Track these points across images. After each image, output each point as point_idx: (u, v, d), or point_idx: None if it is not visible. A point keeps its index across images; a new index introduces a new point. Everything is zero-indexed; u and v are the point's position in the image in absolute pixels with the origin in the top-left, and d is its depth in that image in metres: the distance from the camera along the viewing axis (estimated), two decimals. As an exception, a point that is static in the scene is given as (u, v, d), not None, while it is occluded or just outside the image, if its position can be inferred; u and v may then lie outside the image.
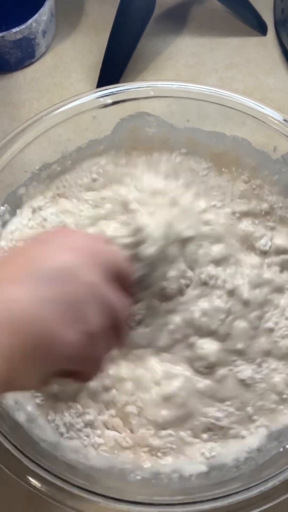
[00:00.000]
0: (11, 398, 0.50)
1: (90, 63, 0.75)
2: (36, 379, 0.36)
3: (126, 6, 0.69)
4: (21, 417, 0.49)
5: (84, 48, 0.76)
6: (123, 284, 0.42)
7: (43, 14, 0.69)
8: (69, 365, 0.38)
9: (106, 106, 0.56)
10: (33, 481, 0.46)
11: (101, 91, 0.56)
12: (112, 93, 0.56)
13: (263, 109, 0.57)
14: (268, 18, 0.77)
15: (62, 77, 0.75)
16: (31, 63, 0.75)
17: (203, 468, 0.50)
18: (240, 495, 0.44)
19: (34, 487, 0.46)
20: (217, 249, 0.55)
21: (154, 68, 0.74)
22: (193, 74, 0.75)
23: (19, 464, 0.46)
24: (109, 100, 0.56)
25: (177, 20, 0.77)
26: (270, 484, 0.45)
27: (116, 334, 0.41)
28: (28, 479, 0.46)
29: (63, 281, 0.36)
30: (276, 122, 0.57)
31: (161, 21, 0.77)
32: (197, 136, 0.59)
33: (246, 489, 0.45)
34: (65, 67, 0.75)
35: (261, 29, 0.76)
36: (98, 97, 0.56)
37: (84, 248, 0.40)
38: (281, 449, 0.49)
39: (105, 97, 0.56)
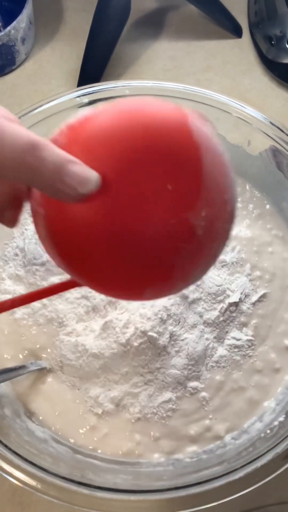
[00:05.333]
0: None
1: (69, 69, 0.76)
2: None
3: (102, 12, 0.71)
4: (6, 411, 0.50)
5: (64, 55, 0.78)
6: None
7: (21, 21, 0.71)
8: None
9: (83, 105, 0.57)
10: (19, 475, 0.46)
11: (78, 91, 0.57)
12: (89, 93, 0.57)
13: (237, 104, 0.58)
14: (243, 21, 0.79)
15: (43, 83, 0.76)
16: (12, 70, 0.76)
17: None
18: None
19: (20, 480, 0.46)
20: None
21: (132, 73, 0.76)
22: (172, 77, 0.76)
23: (4, 459, 0.46)
24: (85, 99, 0.57)
25: (154, 26, 0.79)
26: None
27: None
28: (14, 474, 0.46)
29: None
30: (250, 117, 0.58)
31: (139, 26, 0.79)
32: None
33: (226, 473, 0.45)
34: (45, 74, 0.77)
35: (236, 32, 0.78)
36: (75, 97, 0.57)
37: None
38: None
39: (81, 97, 0.57)
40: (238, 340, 0.55)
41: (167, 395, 0.53)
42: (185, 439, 0.53)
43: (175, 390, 0.53)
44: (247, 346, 0.56)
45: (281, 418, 0.50)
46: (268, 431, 0.49)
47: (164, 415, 0.53)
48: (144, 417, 0.53)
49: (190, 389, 0.54)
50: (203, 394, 0.54)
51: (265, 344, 0.56)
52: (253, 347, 0.56)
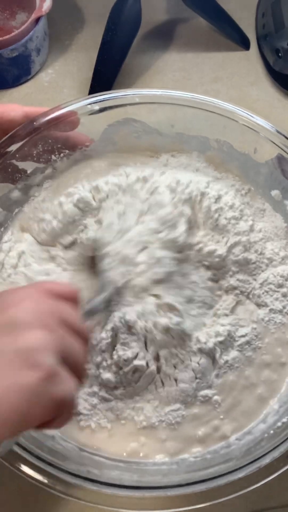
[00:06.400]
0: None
1: (81, 79, 0.78)
2: None
3: (113, 24, 0.73)
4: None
5: (76, 65, 0.80)
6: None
7: (38, 32, 0.73)
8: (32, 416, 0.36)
9: (93, 113, 0.59)
10: (27, 470, 0.47)
11: (89, 98, 0.59)
12: (100, 100, 0.59)
13: (244, 112, 0.59)
14: (251, 34, 0.81)
15: (55, 92, 0.78)
16: (27, 80, 0.79)
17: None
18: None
19: (27, 475, 0.47)
20: None
21: (142, 83, 0.78)
22: (180, 87, 0.77)
23: (13, 454, 0.47)
24: (96, 107, 0.59)
25: (164, 37, 0.81)
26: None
27: (76, 372, 0.40)
28: (21, 468, 0.47)
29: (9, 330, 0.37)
30: (256, 125, 0.59)
31: (149, 38, 0.81)
32: (181, 140, 0.62)
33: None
34: (57, 83, 0.79)
35: (244, 44, 0.80)
36: (86, 104, 0.59)
37: (37, 305, 0.40)
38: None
39: (92, 104, 0.59)
40: (245, 336, 0.55)
41: (176, 405, 0.53)
42: (192, 440, 0.53)
43: (183, 402, 0.53)
44: (254, 337, 0.55)
45: (284, 419, 0.51)
46: (272, 432, 0.50)
47: (173, 421, 0.52)
48: (151, 426, 0.52)
49: (200, 397, 0.53)
50: (216, 398, 0.53)
51: (271, 335, 0.56)
52: (260, 336, 0.55)
